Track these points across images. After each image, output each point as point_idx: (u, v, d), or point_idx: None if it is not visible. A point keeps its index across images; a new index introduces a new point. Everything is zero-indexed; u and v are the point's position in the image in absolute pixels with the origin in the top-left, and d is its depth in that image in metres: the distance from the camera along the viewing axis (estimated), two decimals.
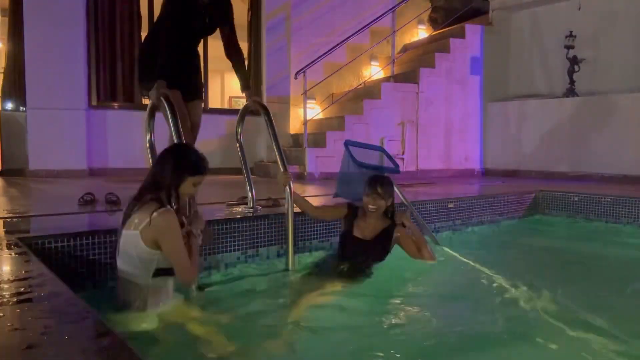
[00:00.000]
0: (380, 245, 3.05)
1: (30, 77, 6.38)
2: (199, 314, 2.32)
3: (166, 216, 2.11)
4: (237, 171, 3.23)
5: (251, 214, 3.21)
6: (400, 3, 7.92)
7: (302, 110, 7.09)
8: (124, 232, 2.16)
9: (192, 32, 3.23)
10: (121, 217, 2.21)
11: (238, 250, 3.07)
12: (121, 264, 2.19)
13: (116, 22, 6.96)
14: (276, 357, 2.05)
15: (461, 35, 7.89)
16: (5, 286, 1.59)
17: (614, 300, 2.76)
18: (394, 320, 2.42)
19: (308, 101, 7.06)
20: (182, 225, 2.37)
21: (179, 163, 2.23)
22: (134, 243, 2.12)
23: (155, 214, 2.09)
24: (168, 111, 2.64)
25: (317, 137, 7.00)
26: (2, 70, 7.26)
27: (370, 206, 3.00)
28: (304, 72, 6.75)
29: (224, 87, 12.63)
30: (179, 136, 2.58)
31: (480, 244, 4.13)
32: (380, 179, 3.07)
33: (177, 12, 3.04)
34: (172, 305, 2.29)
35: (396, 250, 3.10)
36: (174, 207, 2.22)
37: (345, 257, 3.04)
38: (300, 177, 6.50)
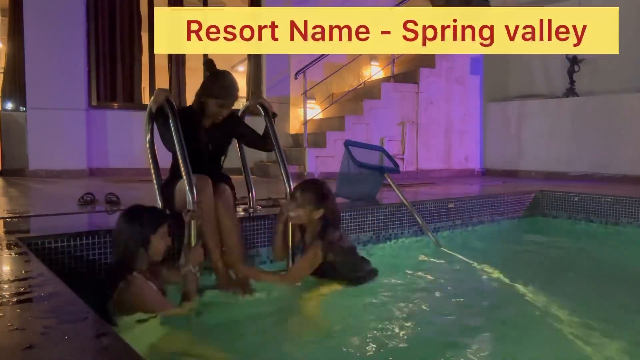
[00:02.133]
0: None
1: (30, 77, 6.38)
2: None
3: (132, 289, 2.09)
4: (237, 171, 3.22)
5: (249, 215, 3.21)
6: (400, 3, 7.92)
7: (302, 110, 7.09)
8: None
9: (197, 155, 2.80)
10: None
11: None
12: None
13: (116, 22, 6.96)
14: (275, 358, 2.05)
15: None
16: (5, 286, 1.59)
17: (614, 300, 2.76)
18: (393, 320, 2.42)
19: (308, 101, 7.07)
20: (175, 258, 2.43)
21: (135, 231, 2.16)
22: None
23: (115, 294, 2.08)
24: (169, 113, 2.63)
25: (317, 137, 7.00)
26: (2, 70, 7.26)
27: (291, 213, 2.72)
28: (304, 72, 6.75)
29: None
30: (178, 136, 2.58)
31: (480, 244, 4.13)
32: (304, 183, 2.77)
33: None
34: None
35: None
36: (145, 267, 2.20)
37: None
38: (300, 177, 6.50)
